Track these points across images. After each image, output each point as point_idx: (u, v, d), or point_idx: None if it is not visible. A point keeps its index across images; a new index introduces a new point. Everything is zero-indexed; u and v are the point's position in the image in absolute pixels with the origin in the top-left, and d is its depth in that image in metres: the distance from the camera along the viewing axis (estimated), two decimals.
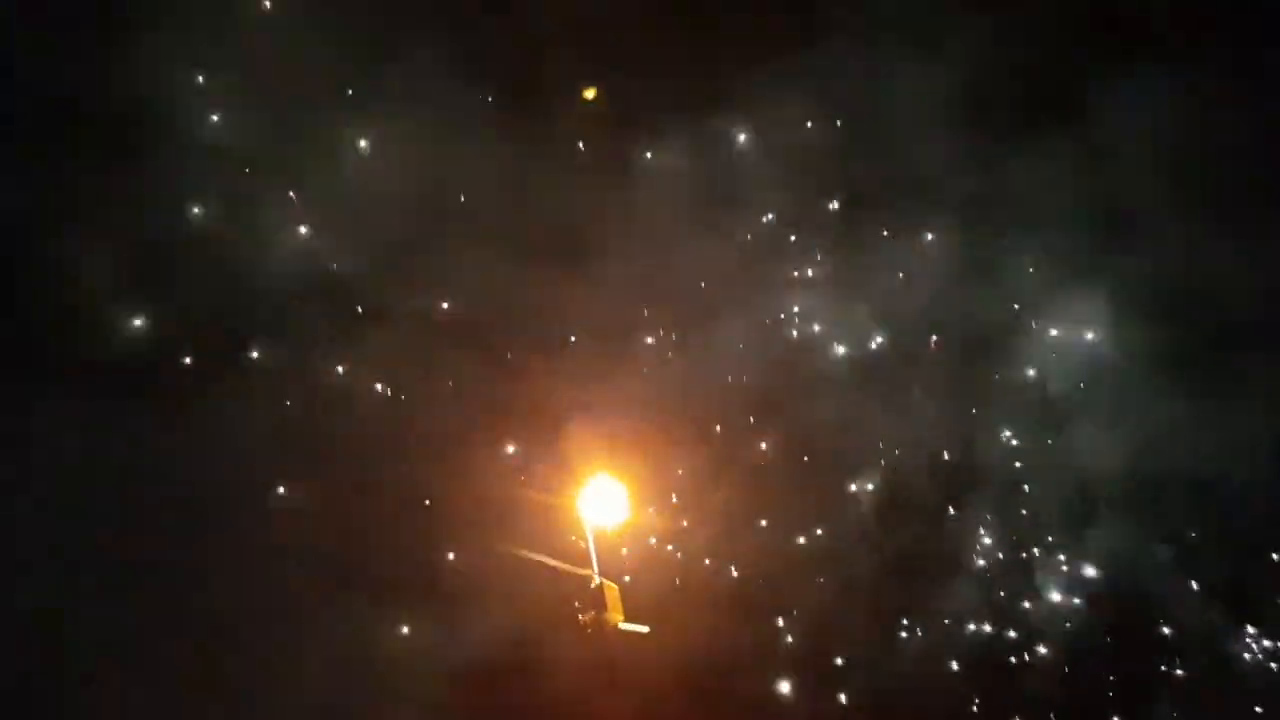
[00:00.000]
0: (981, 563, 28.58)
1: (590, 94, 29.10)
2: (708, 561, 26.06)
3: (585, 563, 18.31)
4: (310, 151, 26.83)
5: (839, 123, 29.15)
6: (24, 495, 21.78)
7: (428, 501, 24.74)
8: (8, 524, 21.37)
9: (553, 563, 18.93)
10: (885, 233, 29.15)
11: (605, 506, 18.90)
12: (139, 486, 22.16)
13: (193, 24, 25.49)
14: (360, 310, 26.62)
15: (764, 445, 27.74)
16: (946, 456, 28.62)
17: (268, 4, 26.23)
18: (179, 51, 25.02)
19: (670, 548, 25.74)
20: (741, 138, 29.37)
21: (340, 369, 26.24)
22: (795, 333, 28.93)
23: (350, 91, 26.98)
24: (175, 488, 22.59)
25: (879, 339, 28.78)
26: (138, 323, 25.08)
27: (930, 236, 28.79)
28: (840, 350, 28.63)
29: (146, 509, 22.30)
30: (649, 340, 28.06)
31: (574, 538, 18.20)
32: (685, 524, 25.61)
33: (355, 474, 24.80)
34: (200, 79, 25.25)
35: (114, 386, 23.21)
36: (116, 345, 24.46)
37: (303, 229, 26.43)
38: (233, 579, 23.23)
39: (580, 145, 28.42)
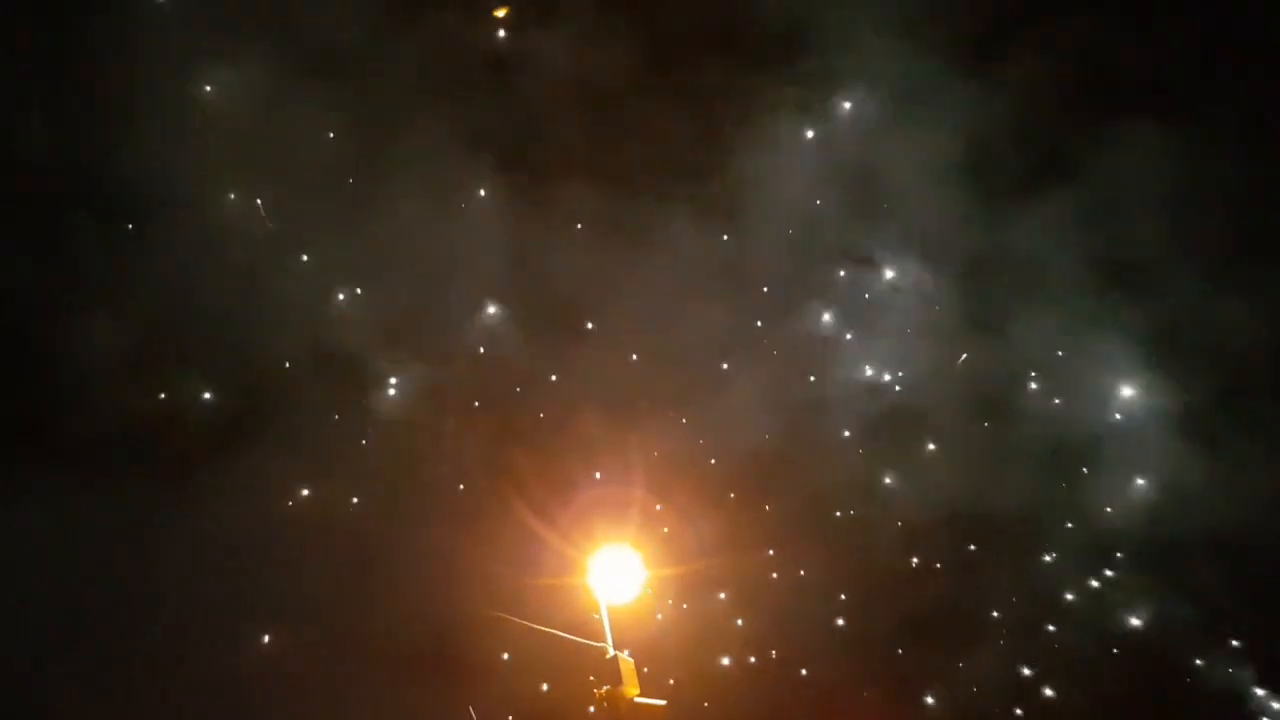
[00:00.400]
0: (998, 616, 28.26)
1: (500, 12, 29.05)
2: (724, 629, 25.71)
3: (600, 636, 18.00)
4: (320, 226, 27.28)
5: (843, 185, 29.54)
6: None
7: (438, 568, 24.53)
8: None
9: (567, 636, 18.57)
10: (894, 292, 29.39)
11: (619, 578, 18.67)
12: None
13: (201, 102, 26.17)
14: (367, 379, 26.89)
15: (775, 507, 27.59)
16: (961, 512, 28.41)
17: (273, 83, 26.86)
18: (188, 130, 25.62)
19: (684, 608, 25.43)
20: (745, 203, 29.69)
21: (349, 438, 26.31)
22: (806, 393, 28.94)
23: (356, 168, 27.54)
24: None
25: (890, 398, 28.87)
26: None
27: (938, 295, 28.90)
28: (852, 410, 28.58)
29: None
30: (658, 405, 28.09)
31: (594, 615, 17.81)
32: (699, 592, 25.23)
33: (361, 546, 24.59)
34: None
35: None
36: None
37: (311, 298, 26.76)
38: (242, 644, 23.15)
39: (585, 214, 28.75)
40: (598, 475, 25.88)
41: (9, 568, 21.22)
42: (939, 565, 28.62)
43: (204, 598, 23.07)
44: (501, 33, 29.62)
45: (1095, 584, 28.39)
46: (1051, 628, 28.06)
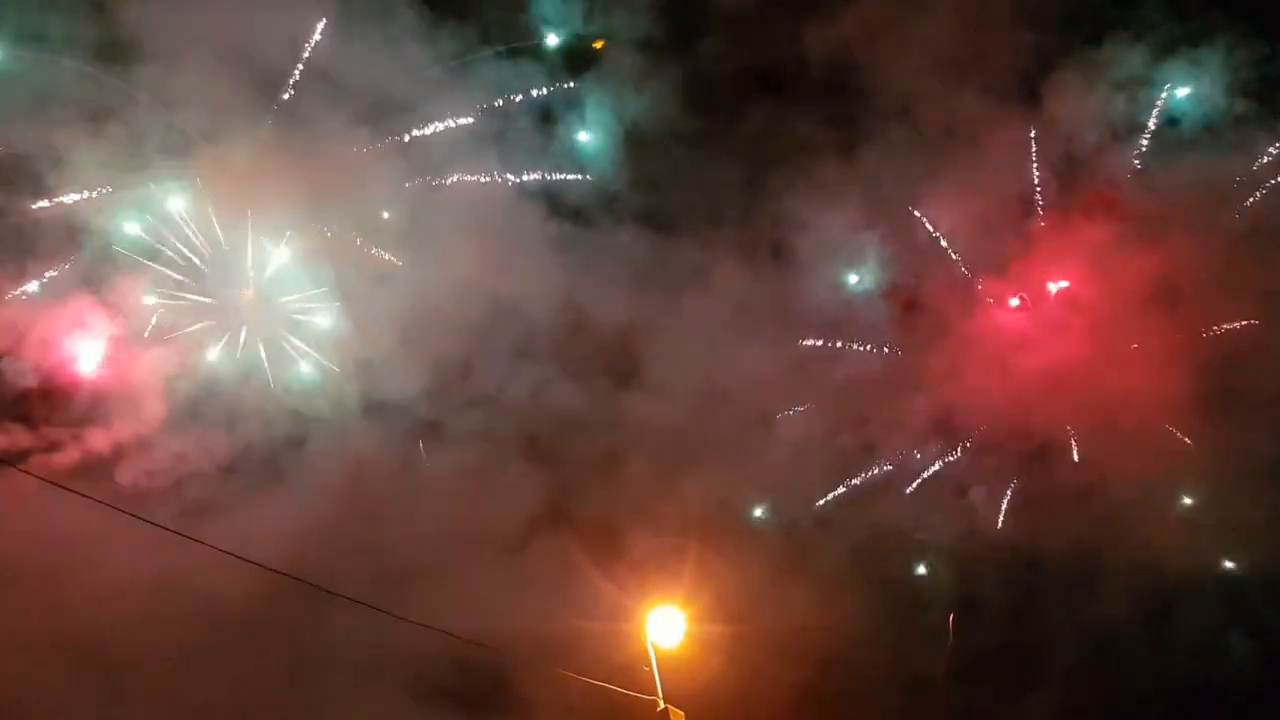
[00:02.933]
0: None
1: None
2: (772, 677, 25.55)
3: (650, 688, 18.11)
4: (361, 276, 27.76)
5: (883, 227, 29.50)
6: None
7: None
8: None
9: (619, 690, 18.69)
10: (937, 331, 29.16)
11: (667, 630, 18.81)
12: None
13: None
14: (417, 430, 27.31)
15: (825, 552, 27.45)
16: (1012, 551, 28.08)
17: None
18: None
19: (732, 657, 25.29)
20: (789, 245, 29.76)
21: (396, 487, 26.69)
22: (851, 435, 28.81)
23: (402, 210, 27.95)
24: None
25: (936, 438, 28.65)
26: None
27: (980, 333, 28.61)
28: (897, 453, 28.41)
29: None
30: (706, 453, 28.09)
31: (644, 667, 17.92)
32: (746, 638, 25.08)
33: (410, 592, 24.79)
34: None
35: None
36: None
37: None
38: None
39: (632, 259, 28.94)
40: (646, 524, 25.95)
41: None
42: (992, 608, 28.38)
43: None
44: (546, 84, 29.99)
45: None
46: None
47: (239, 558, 14.59)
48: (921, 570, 28.57)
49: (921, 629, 28.09)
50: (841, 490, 28.05)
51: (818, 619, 25.83)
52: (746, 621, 23.85)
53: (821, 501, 28.23)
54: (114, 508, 13.14)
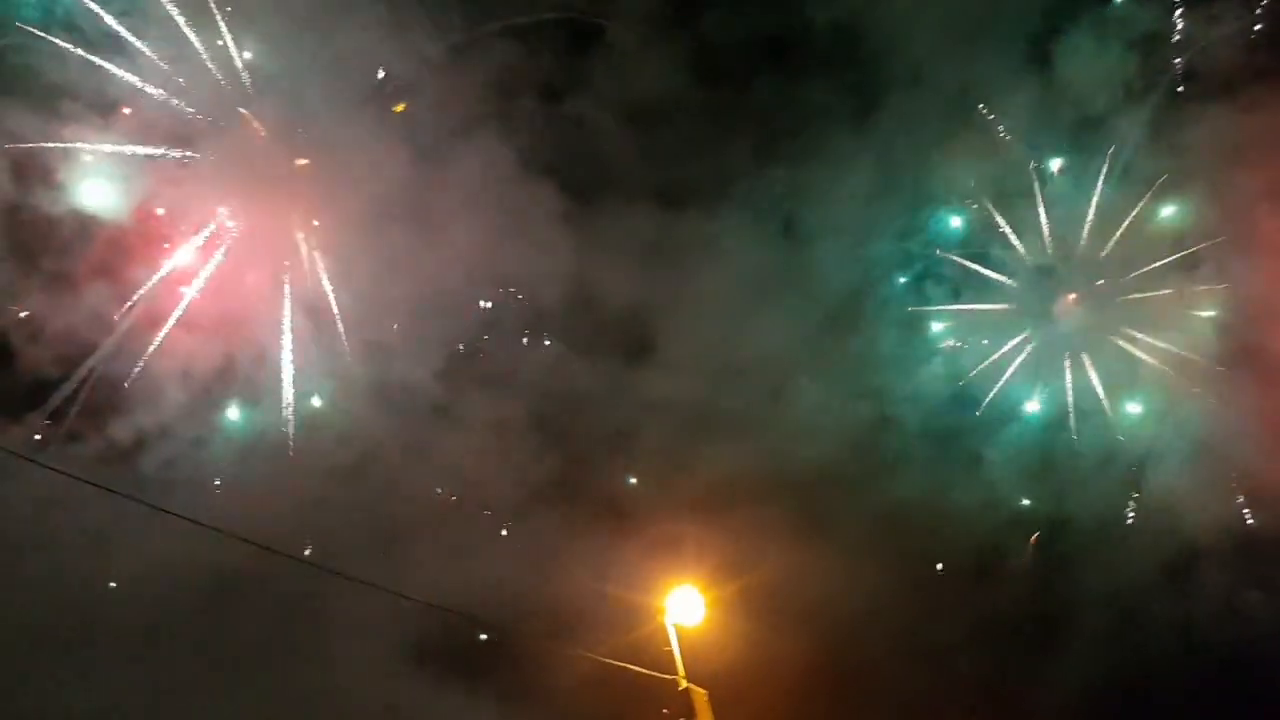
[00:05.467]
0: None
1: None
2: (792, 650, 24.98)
3: (671, 668, 17.65)
4: (377, 255, 27.16)
5: (896, 197, 28.62)
6: None
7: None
8: None
9: (640, 670, 18.23)
10: (951, 302, 28.39)
11: (688, 610, 18.30)
12: None
13: None
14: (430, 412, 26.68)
15: (845, 521, 26.82)
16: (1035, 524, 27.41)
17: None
18: None
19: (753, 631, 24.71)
20: (801, 217, 28.92)
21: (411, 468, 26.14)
22: (870, 408, 28.06)
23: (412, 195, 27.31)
24: None
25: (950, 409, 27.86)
26: None
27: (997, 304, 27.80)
28: (914, 422, 27.65)
29: None
30: (722, 425, 27.45)
31: (665, 648, 17.42)
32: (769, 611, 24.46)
33: (430, 571, 24.40)
34: None
35: None
36: None
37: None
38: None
39: (642, 233, 28.16)
40: (663, 498, 25.38)
41: None
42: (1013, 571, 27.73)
43: None
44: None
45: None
46: None
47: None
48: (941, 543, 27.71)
49: (942, 601, 27.39)
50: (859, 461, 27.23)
51: (839, 593, 25.26)
52: (767, 598, 23.31)
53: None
54: (115, 492, 12.71)
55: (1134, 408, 27.17)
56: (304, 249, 26.77)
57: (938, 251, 28.91)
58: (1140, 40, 28.09)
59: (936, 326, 28.29)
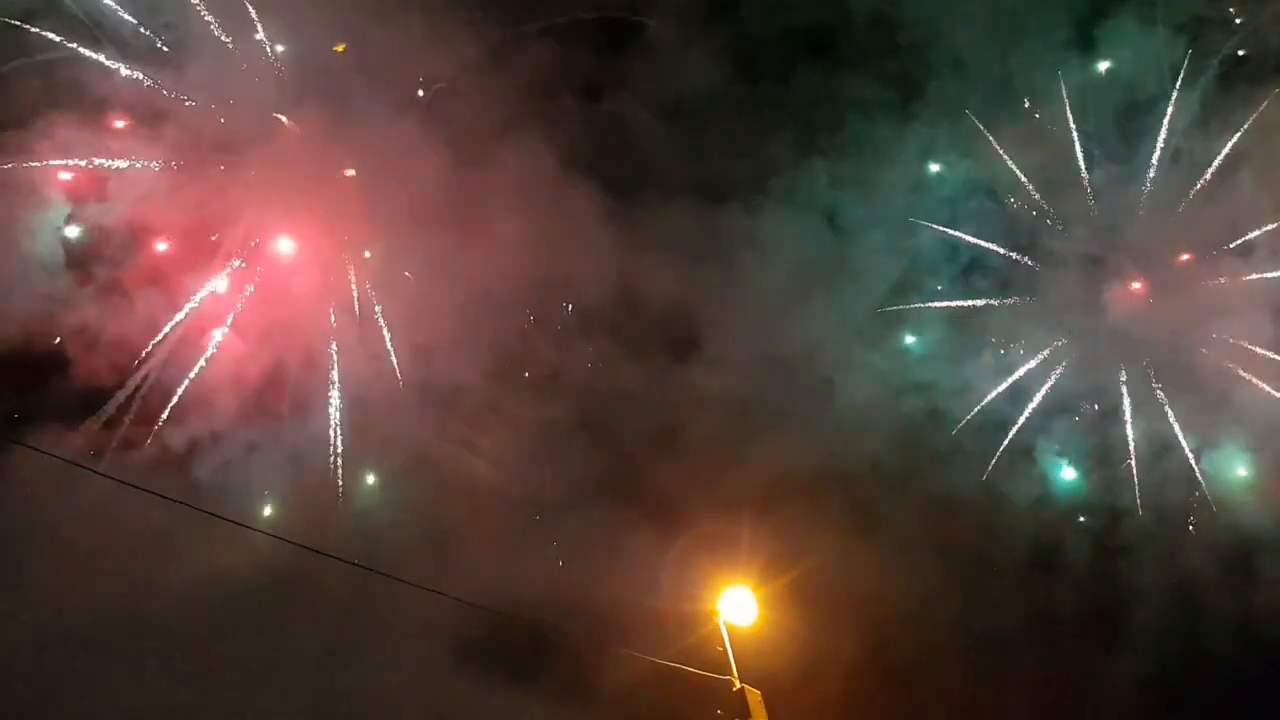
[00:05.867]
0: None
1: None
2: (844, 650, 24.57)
3: (724, 668, 17.44)
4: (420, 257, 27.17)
5: (940, 188, 28.05)
6: None
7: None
8: None
9: (693, 670, 18.02)
10: (995, 298, 27.77)
11: (740, 610, 18.09)
12: None
13: None
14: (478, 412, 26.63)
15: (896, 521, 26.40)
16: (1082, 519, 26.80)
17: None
18: None
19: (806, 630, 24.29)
20: (843, 209, 28.51)
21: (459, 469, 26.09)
22: (913, 402, 27.60)
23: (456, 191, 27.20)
24: None
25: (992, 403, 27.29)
26: None
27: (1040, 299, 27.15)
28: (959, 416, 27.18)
29: None
30: (769, 420, 27.09)
31: (719, 648, 17.20)
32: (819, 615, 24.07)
33: (479, 571, 24.34)
34: None
35: None
36: None
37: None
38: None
39: (685, 228, 27.86)
40: (713, 495, 25.09)
41: None
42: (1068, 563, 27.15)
43: None
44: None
45: None
46: None
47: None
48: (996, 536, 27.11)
49: (996, 595, 26.85)
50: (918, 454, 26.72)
51: (891, 588, 24.84)
52: (819, 595, 22.97)
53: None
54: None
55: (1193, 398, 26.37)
56: (350, 253, 26.92)
57: (982, 243, 28.33)
58: (1189, 22, 27.40)
59: (980, 320, 27.53)
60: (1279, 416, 25.05)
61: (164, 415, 24.29)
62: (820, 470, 26.18)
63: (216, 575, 21.20)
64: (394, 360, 26.31)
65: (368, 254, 26.62)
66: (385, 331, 26.06)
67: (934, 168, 28.36)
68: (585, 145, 28.13)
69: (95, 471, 14.02)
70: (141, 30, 24.23)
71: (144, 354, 24.12)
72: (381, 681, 23.12)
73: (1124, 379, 26.43)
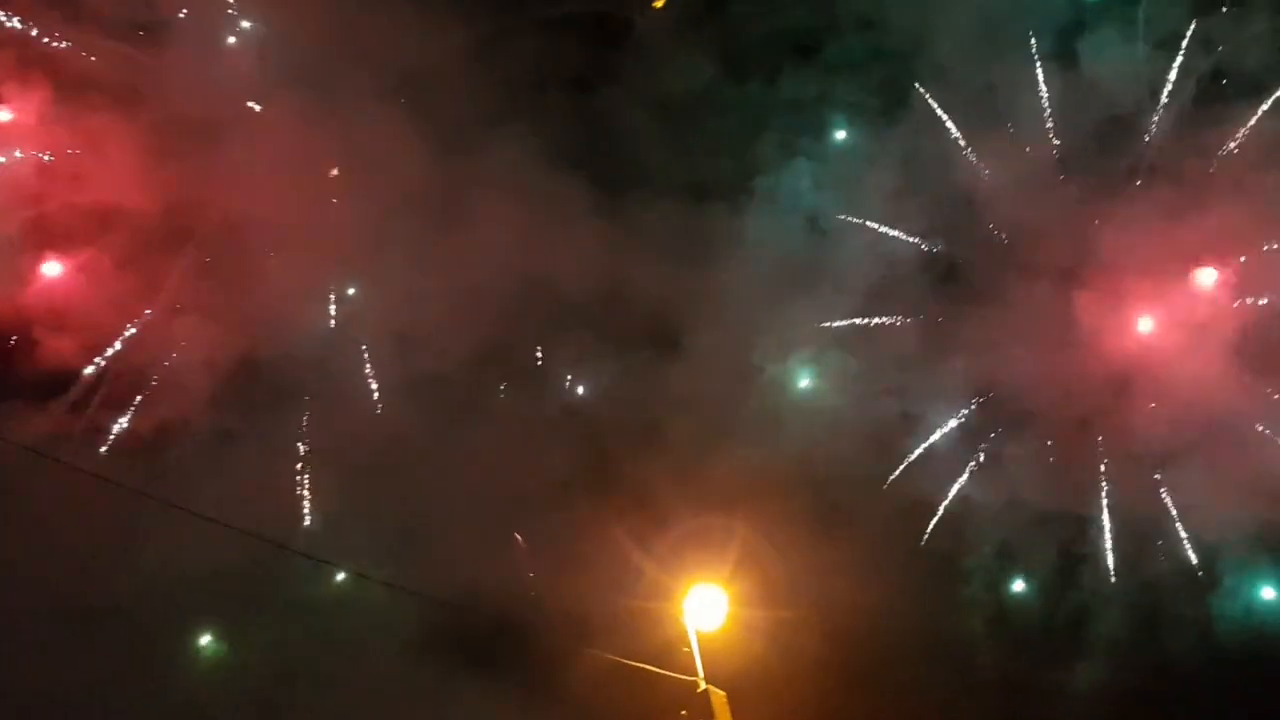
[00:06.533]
0: None
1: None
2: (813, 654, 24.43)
3: (691, 668, 17.28)
4: (402, 249, 26.88)
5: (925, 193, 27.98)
6: None
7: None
8: None
9: (659, 671, 17.82)
10: (979, 304, 27.64)
11: (708, 610, 17.92)
12: None
13: None
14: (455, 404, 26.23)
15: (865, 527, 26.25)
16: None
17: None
18: None
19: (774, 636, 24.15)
20: (827, 212, 28.36)
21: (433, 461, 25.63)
22: (892, 409, 27.40)
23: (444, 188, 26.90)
24: None
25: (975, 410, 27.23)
26: None
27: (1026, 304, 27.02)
28: (939, 423, 27.00)
29: None
30: (745, 421, 26.93)
31: (684, 648, 17.02)
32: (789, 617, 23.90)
33: (448, 565, 24.09)
34: None
35: None
36: None
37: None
38: None
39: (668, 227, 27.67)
40: (686, 493, 24.90)
41: None
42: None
43: None
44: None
45: None
46: None
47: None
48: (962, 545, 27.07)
49: (966, 602, 26.85)
50: (898, 471, 26.66)
51: (862, 596, 24.72)
52: (789, 598, 22.81)
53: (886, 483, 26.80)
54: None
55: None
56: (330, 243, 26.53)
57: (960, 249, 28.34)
58: (1170, 39, 27.45)
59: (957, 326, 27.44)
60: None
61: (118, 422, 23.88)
62: (795, 470, 26.00)
63: (175, 565, 20.84)
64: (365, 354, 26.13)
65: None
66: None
67: (911, 173, 28.07)
68: (572, 140, 27.94)
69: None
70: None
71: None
72: (338, 676, 22.82)
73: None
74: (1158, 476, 26.34)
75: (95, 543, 20.93)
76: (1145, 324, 26.51)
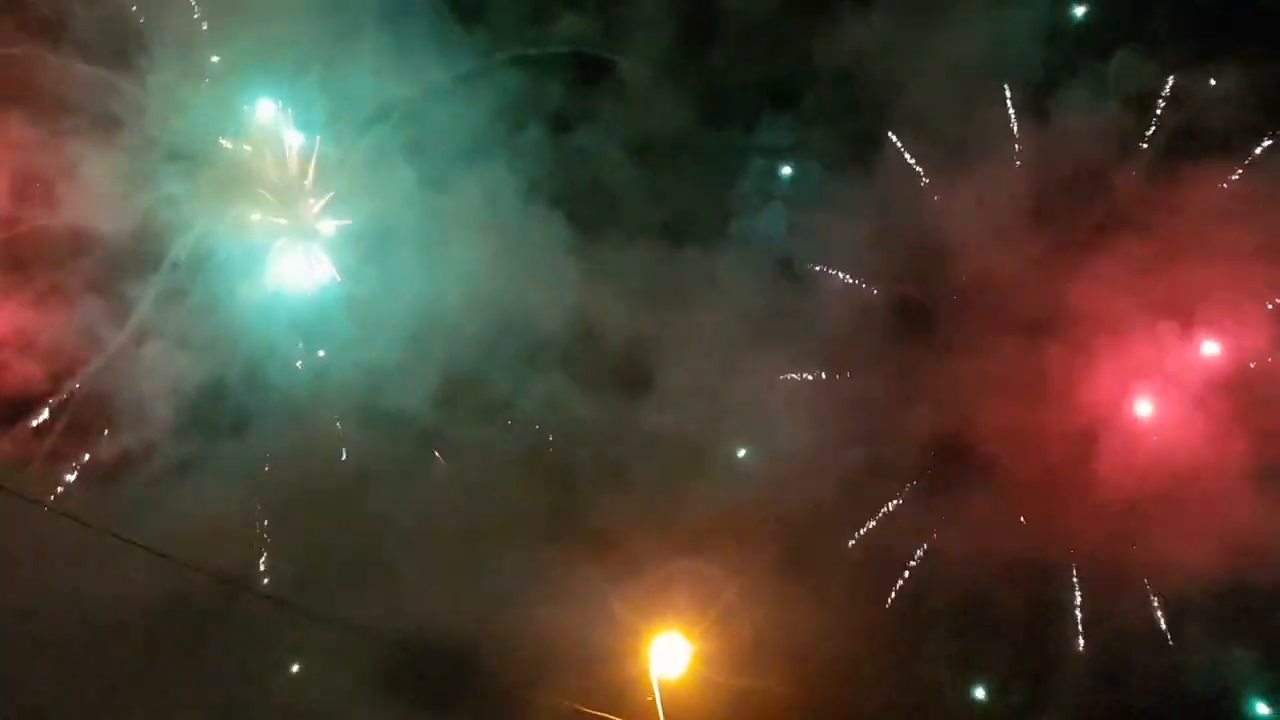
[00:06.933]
0: None
1: None
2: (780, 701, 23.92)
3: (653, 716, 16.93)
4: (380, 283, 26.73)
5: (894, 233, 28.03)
6: None
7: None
8: None
9: None
10: (949, 340, 27.68)
11: (672, 659, 17.58)
12: None
13: None
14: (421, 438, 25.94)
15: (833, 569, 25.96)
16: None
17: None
18: None
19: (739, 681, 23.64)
20: (800, 257, 28.38)
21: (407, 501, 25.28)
22: (859, 457, 27.18)
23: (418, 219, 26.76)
24: None
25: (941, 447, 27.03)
26: None
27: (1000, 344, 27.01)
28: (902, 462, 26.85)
29: None
30: (714, 463, 26.68)
31: (648, 698, 16.64)
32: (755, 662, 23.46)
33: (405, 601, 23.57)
34: None
35: None
36: None
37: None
38: None
39: (642, 268, 27.56)
40: (652, 536, 24.52)
41: None
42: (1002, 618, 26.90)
43: None
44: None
45: None
46: None
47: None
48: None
49: (933, 648, 26.49)
50: (869, 525, 26.44)
51: (828, 645, 24.34)
52: (752, 642, 22.43)
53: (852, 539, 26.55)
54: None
55: None
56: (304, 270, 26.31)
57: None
58: (1141, 95, 27.78)
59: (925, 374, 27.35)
60: None
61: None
62: (763, 515, 25.69)
63: (127, 598, 20.25)
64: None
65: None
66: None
67: (882, 220, 28.15)
68: (549, 177, 27.90)
69: None
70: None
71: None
72: (289, 707, 22.19)
73: None
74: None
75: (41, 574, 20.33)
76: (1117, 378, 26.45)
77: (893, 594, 26.25)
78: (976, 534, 25.39)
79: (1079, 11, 28.97)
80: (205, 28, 24.52)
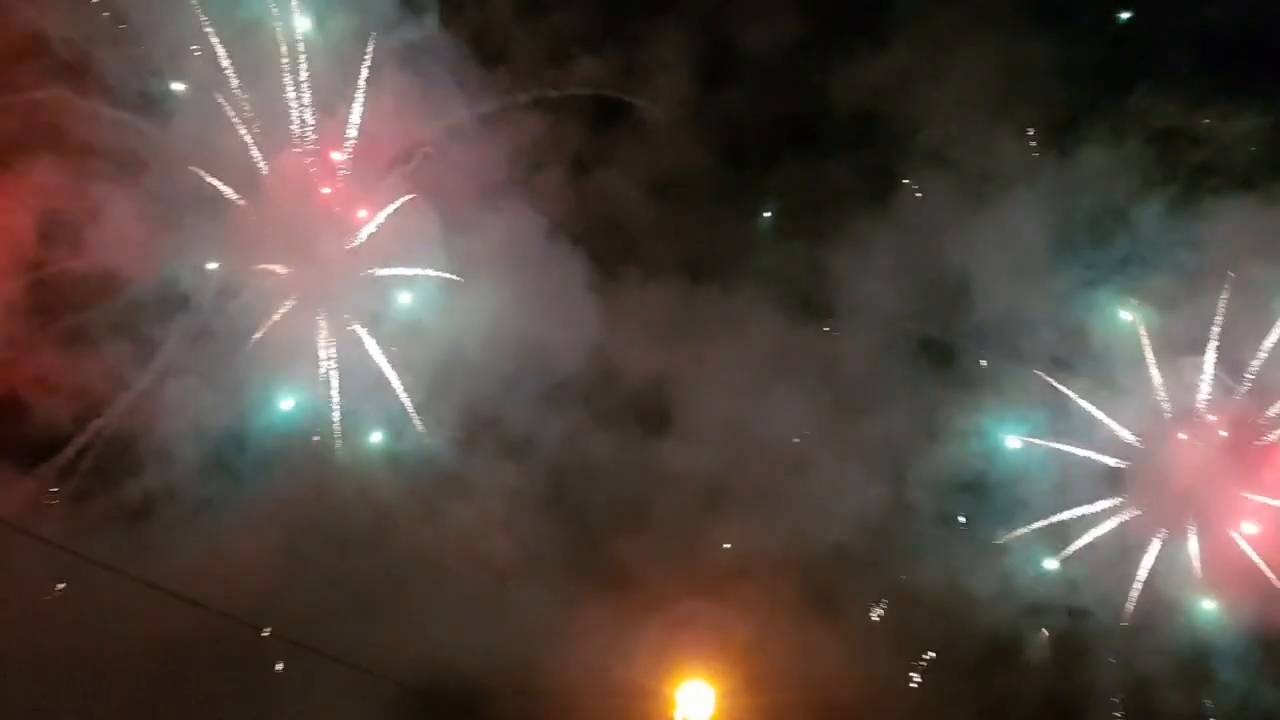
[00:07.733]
0: None
1: None
2: None
3: None
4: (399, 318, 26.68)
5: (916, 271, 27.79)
6: None
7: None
8: None
9: None
10: (974, 378, 27.38)
11: (697, 706, 17.26)
12: None
13: None
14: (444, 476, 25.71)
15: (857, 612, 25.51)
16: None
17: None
18: None
19: None
20: (820, 295, 28.12)
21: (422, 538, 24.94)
22: (883, 488, 26.78)
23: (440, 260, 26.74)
24: None
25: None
26: None
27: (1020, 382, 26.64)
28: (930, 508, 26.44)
29: None
30: (736, 502, 26.25)
31: None
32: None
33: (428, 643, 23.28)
34: None
35: None
36: None
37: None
38: None
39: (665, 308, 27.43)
40: (675, 576, 24.14)
41: None
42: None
43: None
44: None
45: None
46: None
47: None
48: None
49: (959, 688, 25.95)
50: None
51: (852, 680, 23.82)
52: (777, 684, 21.91)
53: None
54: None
55: None
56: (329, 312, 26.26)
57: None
58: (1160, 134, 27.57)
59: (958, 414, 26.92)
60: None
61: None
62: (786, 555, 25.21)
63: (148, 637, 20.05)
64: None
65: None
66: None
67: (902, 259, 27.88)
68: (570, 217, 27.79)
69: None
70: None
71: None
72: None
73: None
74: None
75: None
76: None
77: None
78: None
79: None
80: (229, 72, 24.58)
